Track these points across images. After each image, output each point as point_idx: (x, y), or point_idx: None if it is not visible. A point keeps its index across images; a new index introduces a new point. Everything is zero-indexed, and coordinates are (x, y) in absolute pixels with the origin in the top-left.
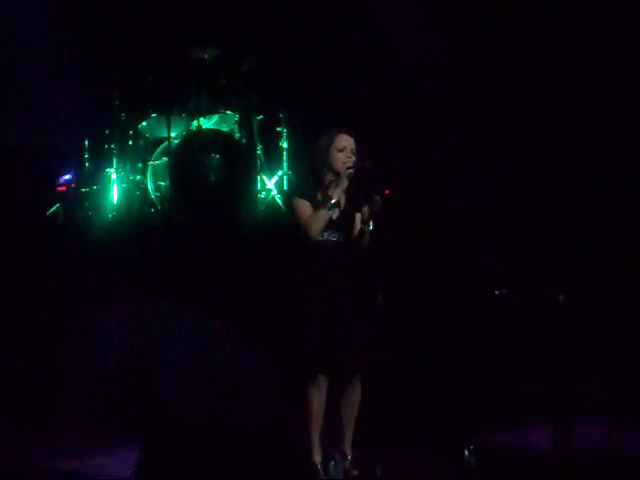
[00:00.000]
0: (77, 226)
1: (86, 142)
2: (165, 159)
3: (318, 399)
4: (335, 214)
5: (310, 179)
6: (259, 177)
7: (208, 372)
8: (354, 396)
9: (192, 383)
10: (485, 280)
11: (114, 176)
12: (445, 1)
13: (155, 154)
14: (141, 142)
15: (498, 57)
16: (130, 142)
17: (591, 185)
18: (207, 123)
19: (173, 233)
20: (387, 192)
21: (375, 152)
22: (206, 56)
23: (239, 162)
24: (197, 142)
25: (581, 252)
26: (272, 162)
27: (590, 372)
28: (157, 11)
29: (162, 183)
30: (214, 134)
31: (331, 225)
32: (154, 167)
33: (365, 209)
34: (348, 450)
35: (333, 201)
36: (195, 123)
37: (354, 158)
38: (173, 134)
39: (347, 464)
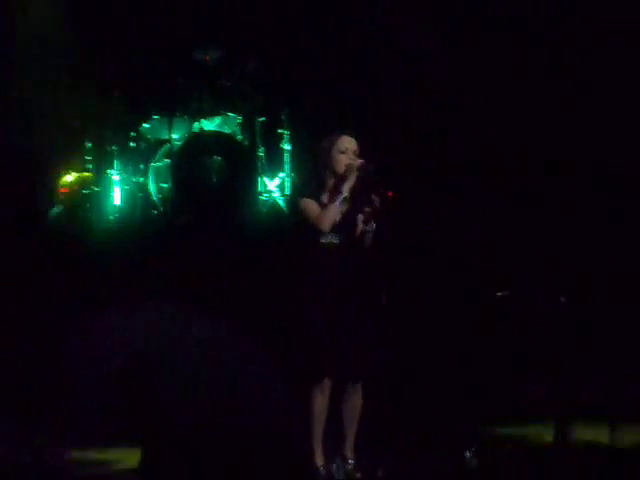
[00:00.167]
0: (79, 228)
1: (88, 144)
2: (167, 161)
3: (321, 402)
4: (344, 208)
5: (313, 181)
6: (261, 179)
7: (209, 374)
8: (356, 399)
9: (193, 385)
10: (487, 282)
11: (116, 178)
12: (446, 1)
13: (157, 156)
14: (143, 144)
15: (501, 58)
16: (132, 144)
17: (592, 186)
18: (209, 125)
19: (175, 235)
20: (390, 194)
21: (377, 154)
22: (208, 58)
23: (241, 164)
24: (199, 144)
25: (582, 254)
26: (274, 164)
27: (591, 373)
28: (159, 13)
29: (164, 185)
30: (216, 136)
31: (334, 227)
32: (156, 169)
33: (366, 210)
34: (350, 454)
35: (343, 196)
36: (197, 125)
37: (357, 160)
38: (175, 136)
39: (349, 467)
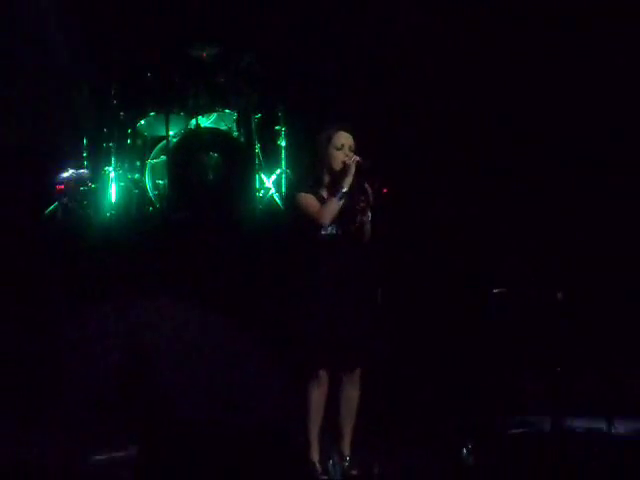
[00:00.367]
0: (76, 225)
1: (85, 141)
2: (163, 157)
3: (318, 396)
4: (343, 202)
5: (309, 177)
6: (257, 175)
7: (207, 370)
8: (352, 390)
9: (191, 381)
10: (484, 278)
11: (112, 175)
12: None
13: (153, 152)
14: (139, 140)
15: (498, 55)
16: (128, 141)
17: (589, 183)
18: (205, 121)
19: (171, 231)
20: (385, 190)
21: (374, 149)
22: (205, 54)
23: (237, 160)
24: (196, 140)
25: (579, 250)
26: (270, 160)
27: (588, 369)
28: (156, 9)
29: (160, 181)
30: (213, 132)
31: (333, 220)
32: (152, 165)
33: (361, 200)
34: (347, 451)
35: (344, 190)
36: (193, 121)
37: (353, 156)
38: (171, 132)
39: (345, 464)
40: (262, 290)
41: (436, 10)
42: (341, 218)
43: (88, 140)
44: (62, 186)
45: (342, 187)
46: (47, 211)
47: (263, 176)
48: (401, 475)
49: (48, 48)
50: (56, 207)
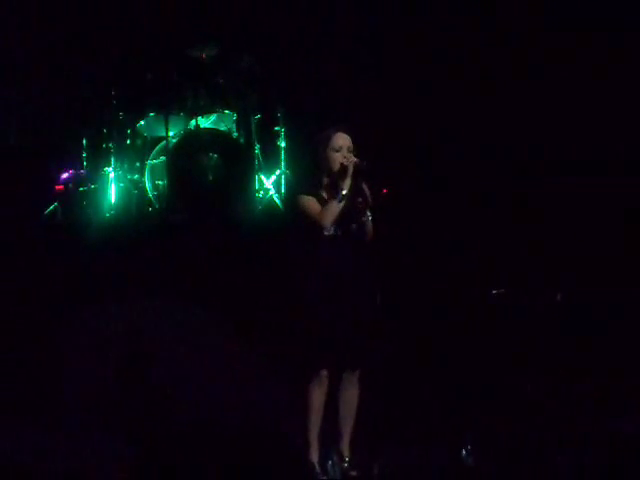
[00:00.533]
0: (75, 225)
1: (84, 141)
2: (163, 158)
3: (318, 396)
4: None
5: (308, 179)
6: (257, 176)
7: (206, 371)
8: (352, 390)
9: (191, 381)
10: (482, 279)
11: (112, 175)
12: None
13: (153, 153)
14: (139, 141)
15: (496, 58)
16: (128, 141)
17: (589, 183)
18: (205, 122)
19: (171, 232)
20: (385, 191)
21: (372, 150)
22: (204, 55)
23: (237, 161)
24: (195, 141)
25: (579, 251)
26: (270, 161)
27: (587, 371)
28: (155, 10)
29: (160, 182)
30: (212, 133)
31: (334, 221)
32: (152, 166)
33: (359, 200)
34: (346, 452)
35: (344, 192)
36: (193, 122)
37: (352, 157)
38: (171, 133)
39: (345, 464)
40: (262, 290)
41: (436, 11)
42: (341, 219)
43: (88, 141)
44: (62, 186)
45: (342, 189)
46: (47, 211)
47: (263, 177)
48: (401, 475)
49: (48, 48)
50: (56, 207)
